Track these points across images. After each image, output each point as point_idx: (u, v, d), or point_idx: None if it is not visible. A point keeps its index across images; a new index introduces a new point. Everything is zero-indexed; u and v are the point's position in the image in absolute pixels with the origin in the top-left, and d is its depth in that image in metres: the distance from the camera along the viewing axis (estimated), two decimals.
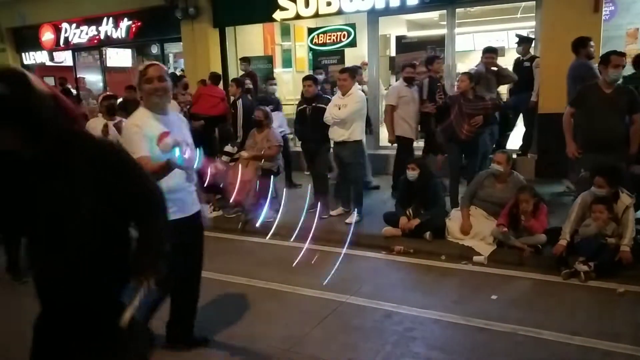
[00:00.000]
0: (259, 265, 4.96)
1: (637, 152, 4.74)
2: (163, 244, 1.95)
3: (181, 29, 10.07)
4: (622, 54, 4.76)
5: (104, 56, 12.18)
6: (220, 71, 9.96)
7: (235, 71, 9.96)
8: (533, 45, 7.29)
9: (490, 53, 6.62)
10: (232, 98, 7.59)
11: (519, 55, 7.26)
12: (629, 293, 4.02)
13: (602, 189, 4.41)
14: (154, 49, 12.20)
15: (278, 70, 10.81)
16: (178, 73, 11.32)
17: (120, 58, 12.54)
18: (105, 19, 11.22)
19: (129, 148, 2.45)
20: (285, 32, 11.09)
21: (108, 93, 6.48)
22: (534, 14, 7.85)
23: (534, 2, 7.58)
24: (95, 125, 5.46)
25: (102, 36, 11.42)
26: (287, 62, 11.20)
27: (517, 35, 7.39)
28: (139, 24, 10.89)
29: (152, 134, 2.63)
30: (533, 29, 7.88)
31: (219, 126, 8.13)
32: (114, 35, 11.25)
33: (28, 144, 1.68)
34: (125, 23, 11.02)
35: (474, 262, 4.80)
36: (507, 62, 7.54)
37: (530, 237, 4.74)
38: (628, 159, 4.77)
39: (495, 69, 6.58)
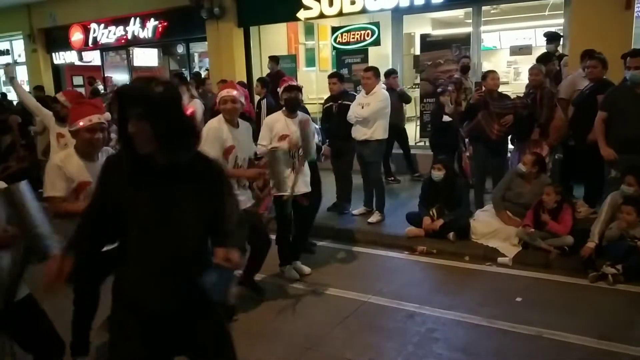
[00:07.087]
0: None
1: None
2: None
3: (206, 29, 10.17)
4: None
5: (131, 56, 12.37)
6: (244, 70, 10.03)
7: (259, 71, 10.03)
8: (561, 43, 7.14)
9: None
10: (257, 97, 7.64)
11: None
12: None
13: (631, 187, 4.33)
14: (180, 49, 12.37)
15: (302, 69, 10.83)
16: (203, 73, 11.46)
17: (146, 57, 12.74)
18: (132, 19, 11.39)
19: None
20: (309, 31, 11.10)
21: (291, 83, 4.40)
22: (562, 12, 7.69)
23: None
24: (281, 124, 4.24)
25: (129, 36, 11.60)
26: (310, 61, 11.21)
27: (545, 34, 7.25)
28: (165, 24, 11.03)
29: None
30: (561, 27, 7.72)
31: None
32: (141, 35, 11.41)
33: (163, 150, 1.78)
34: (151, 23, 11.17)
35: (498, 263, 4.73)
36: (533, 60, 7.39)
37: (557, 239, 4.65)
38: None
39: None
